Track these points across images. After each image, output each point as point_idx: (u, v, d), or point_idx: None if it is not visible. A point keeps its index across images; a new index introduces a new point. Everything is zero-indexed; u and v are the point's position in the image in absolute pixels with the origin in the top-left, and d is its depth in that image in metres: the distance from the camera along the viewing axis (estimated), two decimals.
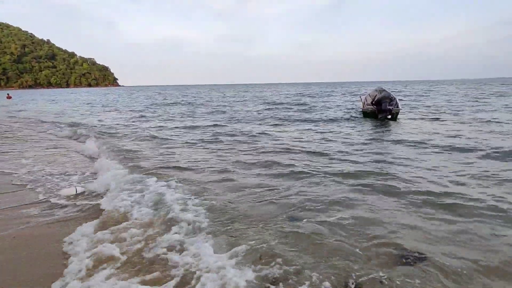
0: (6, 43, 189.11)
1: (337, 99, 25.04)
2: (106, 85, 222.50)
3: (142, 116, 15.46)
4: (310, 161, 5.66)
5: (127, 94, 54.93)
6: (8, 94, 51.38)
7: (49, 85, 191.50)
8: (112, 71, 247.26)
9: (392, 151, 6.31)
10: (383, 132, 8.94)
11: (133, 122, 13.16)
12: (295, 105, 19.40)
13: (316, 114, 13.98)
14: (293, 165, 5.27)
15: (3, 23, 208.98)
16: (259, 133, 9.02)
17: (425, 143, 6.88)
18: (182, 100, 28.30)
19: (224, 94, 41.29)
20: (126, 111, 19.24)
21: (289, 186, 4.27)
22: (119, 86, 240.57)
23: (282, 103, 21.01)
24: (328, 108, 17.12)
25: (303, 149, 6.64)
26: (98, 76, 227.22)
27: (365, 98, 13.95)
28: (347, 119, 12.05)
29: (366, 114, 12.37)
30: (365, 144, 7.18)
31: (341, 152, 6.33)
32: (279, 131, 9.51)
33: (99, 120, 14.10)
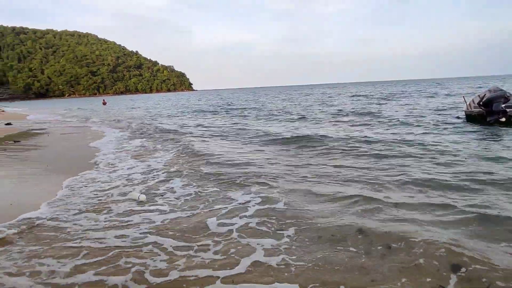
0: (104, 56, 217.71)
1: (416, 99, 21.74)
2: (182, 90, 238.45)
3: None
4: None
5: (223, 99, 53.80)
6: (103, 100, 55.00)
7: (136, 91, 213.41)
8: (187, 76, 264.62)
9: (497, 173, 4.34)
10: (492, 142, 6.78)
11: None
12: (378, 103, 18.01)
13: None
14: None
15: (102, 39, 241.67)
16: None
17: None
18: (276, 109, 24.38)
19: (292, 98, 36.43)
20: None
21: None
22: (194, 90, 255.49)
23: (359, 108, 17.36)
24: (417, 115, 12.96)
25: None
26: (176, 82, 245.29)
27: (472, 98, 11.94)
28: (442, 126, 9.59)
29: (470, 118, 10.08)
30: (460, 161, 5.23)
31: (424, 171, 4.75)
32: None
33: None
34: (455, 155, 5.63)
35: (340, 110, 16.52)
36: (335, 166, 5.37)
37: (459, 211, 3.21)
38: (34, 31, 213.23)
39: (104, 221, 3.38)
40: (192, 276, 2.34)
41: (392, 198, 3.67)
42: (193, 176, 5.10)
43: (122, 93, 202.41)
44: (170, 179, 4.99)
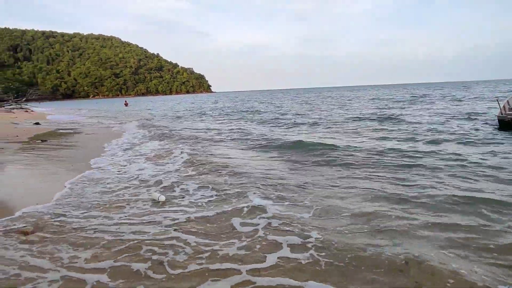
0: (127, 58, 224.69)
1: (442, 103, 20.62)
2: (201, 92, 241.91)
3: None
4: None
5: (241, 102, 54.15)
6: (126, 101, 56.76)
7: (157, 92, 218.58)
8: (206, 78, 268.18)
9: None
10: None
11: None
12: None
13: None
14: None
15: (125, 42, 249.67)
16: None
17: None
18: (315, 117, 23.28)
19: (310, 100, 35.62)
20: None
21: None
22: (212, 92, 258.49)
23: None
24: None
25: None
26: (195, 83, 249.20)
27: (507, 100, 10.98)
28: (472, 134, 8.67)
29: (504, 124, 8.80)
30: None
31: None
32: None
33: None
34: (492, 169, 5.06)
35: (360, 114, 15.80)
36: (354, 178, 5.02)
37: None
38: (62, 35, 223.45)
39: (122, 218, 3.49)
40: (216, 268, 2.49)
41: (419, 218, 3.32)
42: (209, 179, 5.14)
43: (143, 94, 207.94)
44: (185, 181, 5.06)
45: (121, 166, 6.33)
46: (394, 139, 8.52)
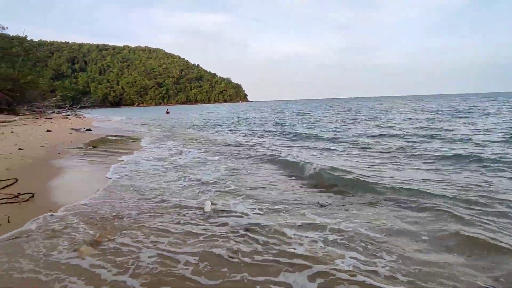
0: (169, 69, 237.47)
1: (499, 117, 17.65)
2: (238, 101, 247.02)
3: None
4: None
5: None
6: (167, 109, 59.64)
7: (196, 101, 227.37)
8: (243, 88, 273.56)
9: None
10: None
11: None
12: None
13: None
14: None
15: (169, 53, 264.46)
16: None
17: None
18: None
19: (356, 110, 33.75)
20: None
21: None
22: (249, 101, 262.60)
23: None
24: None
25: None
26: (232, 93, 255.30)
27: None
28: None
29: None
30: None
31: None
32: None
33: None
34: None
35: (399, 131, 12.97)
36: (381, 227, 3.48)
37: None
38: (114, 47, 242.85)
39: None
40: None
41: None
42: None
43: (183, 103, 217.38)
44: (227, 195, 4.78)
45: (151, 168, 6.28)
46: (441, 172, 5.98)
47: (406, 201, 4.29)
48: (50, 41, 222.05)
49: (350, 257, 2.79)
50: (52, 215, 3.84)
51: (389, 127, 14.89)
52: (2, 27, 38.27)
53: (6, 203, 4.17)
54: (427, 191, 4.57)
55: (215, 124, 22.56)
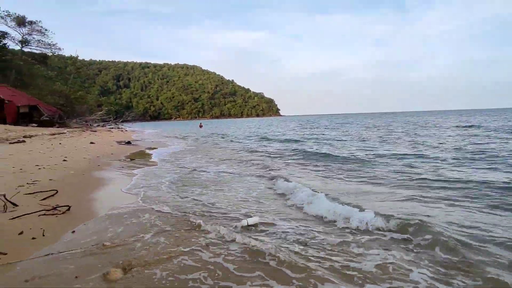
0: (205, 85, 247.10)
1: None
2: (270, 115, 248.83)
3: None
4: None
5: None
6: (200, 123, 61.48)
7: (229, 115, 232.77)
8: (276, 102, 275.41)
9: None
10: None
11: None
12: None
13: None
14: None
15: (205, 70, 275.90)
16: None
17: None
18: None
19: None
20: None
21: None
22: (281, 116, 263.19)
23: None
24: None
25: None
26: (265, 107, 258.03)
27: None
28: None
29: None
30: None
31: None
32: None
33: None
34: None
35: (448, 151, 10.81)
36: None
37: None
38: (155, 65, 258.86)
39: None
40: None
41: None
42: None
43: (217, 117, 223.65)
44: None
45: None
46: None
47: None
48: (99, 60, 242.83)
49: None
50: (85, 224, 3.78)
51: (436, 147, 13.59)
52: (59, 48, 42.51)
53: (44, 214, 4.22)
54: None
55: (231, 140, 22.38)
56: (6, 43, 37.70)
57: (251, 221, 4.06)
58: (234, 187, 6.51)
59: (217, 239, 3.54)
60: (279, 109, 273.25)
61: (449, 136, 17.29)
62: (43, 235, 3.49)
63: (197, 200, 5.41)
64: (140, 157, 11.76)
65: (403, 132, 22.10)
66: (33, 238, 3.40)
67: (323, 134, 23.20)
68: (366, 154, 10.79)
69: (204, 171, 8.54)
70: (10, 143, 12.63)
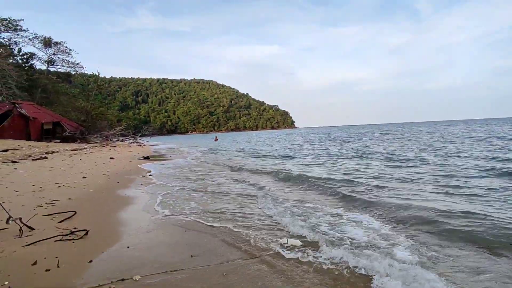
0: (220, 98, 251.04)
1: None
2: (285, 127, 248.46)
3: None
4: None
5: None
6: (216, 137, 61.75)
7: (244, 128, 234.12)
8: (290, 115, 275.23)
9: None
10: None
11: None
12: None
13: None
14: None
15: (220, 84, 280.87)
16: None
17: None
18: None
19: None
20: None
21: None
22: (296, 127, 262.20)
23: None
24: None
25: None
26: (280, 119, 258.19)
27: None
28: None
29: None
30: None
31: None
32: None
33: None
34: None
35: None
36: None
37: None
38: (172, 81, 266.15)
39: None
40: None
41: None
42: None
43: (232, 130, 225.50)
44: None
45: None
46: None
47: None
48: (119, 77, 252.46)
49: None
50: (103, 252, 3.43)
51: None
52: (82, 67, 44.28)
53: (61, 240, 3.93)
54: None
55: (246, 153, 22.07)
56: (33, 63, 39.67)
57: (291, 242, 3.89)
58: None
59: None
60: (294, 121, 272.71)
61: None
62: (58, 266, 3.17)
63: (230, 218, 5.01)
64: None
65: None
66: (47, 270, 3.07)
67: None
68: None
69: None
70: (33, 159, 12.79)
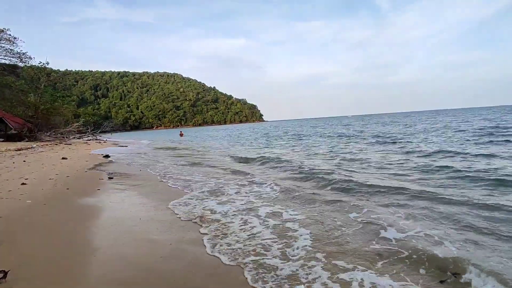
0: (186, 92, 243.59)
1: None
2: (253, 121, 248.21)
3: None
4: None
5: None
6: (181, 131, 59.42)
7: (212, 122, 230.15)
8: (258, 108, 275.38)
9: None
10: None
11: None
12: None
13: None
14: None
15: (186, 78, 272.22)
16: None
17: None
18: None
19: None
20: None
21: None
22: (264, 121, 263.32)
23: None
24: None
25: None
26: (248, 113, 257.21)
27: None
28: None
29: None
30: None
31: None
32: None
33: None
34: None
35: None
36: None
37: None
38: (134, 74, 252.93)
39: None
40: None
41: None
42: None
43: (200, 125, 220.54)
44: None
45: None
46: None
47: None
48: (76, 70, 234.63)
49: None
50: None
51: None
52: (30, 57, 39.37)
53: None
54: None
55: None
56: None
57: None
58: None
59: None
60: (262, 115, 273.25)
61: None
62: None
63: None
64: (119, 176, 9.98)
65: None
66: None
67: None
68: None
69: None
70: None
